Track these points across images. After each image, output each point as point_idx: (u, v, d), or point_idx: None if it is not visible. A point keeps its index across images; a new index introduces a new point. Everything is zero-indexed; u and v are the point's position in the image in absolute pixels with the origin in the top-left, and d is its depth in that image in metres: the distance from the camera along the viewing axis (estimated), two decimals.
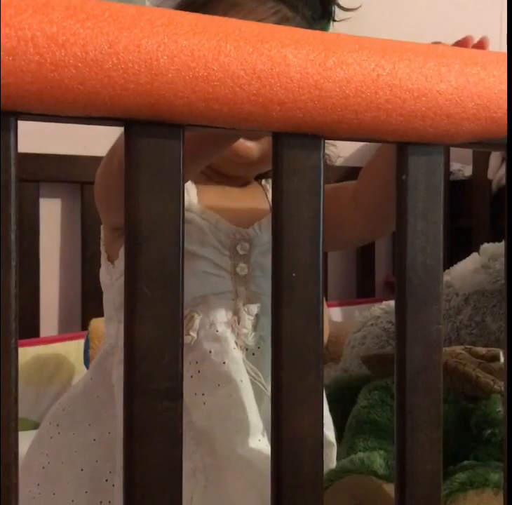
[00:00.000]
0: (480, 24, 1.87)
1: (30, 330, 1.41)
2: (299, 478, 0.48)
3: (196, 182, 0.81)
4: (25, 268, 1.45)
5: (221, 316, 0.77)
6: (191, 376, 0.75)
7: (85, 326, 1.33)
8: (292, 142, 0.47)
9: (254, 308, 0.77)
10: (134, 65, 0.41)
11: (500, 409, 0.79)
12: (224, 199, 0.82)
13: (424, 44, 0.50)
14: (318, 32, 0.46)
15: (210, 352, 0.75)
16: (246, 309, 0.77)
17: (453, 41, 0.66)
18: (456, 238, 1.78)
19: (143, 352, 0.44)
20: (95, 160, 1.47)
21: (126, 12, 0.41)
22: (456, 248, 1.62)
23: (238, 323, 0.77)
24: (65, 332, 1.45)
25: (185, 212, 0.77)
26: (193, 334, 0.75)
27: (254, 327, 0.77)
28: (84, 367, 1.23)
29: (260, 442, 0.75)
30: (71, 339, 1.35)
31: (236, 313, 0.77)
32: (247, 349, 0.78)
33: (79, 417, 0.81)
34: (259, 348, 0.78)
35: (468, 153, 1.82)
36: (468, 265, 1.17)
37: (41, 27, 0.39)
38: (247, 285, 0.78)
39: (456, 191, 1.84)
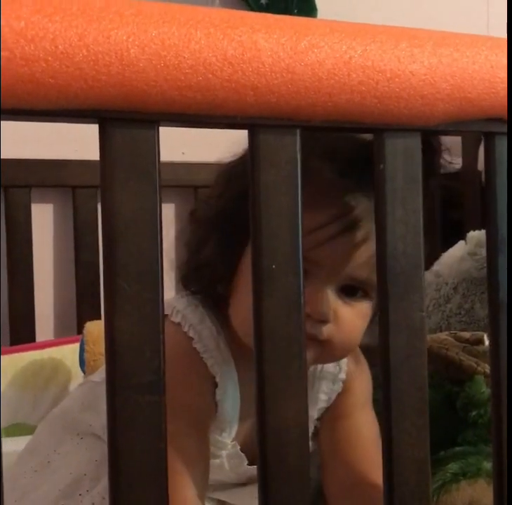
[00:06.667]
0: (468, 14, 1.87)
1: (26, 335, 1.41)
2: (286, 469, 0.48)
3: None
4: (19, 274, 1.45)
5: None
6: None
7: (80, 330, 1.33)
8: (268, 133, 0.47)
9: None
10: (104, 56, 0.41)
11: (484, 390, 0.79)
12: None
13: (397, 27, 0.51)
14: (288, 17, 0.46)
15: None
16: None
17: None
18: (448, 230, 1.77)
19: (124, 347, 0.44)
20: (86, 164, 1.49)
21: (94, 5, 0.41)
22: (448, 240, 1.62)
23: None
24: (61, 337, 1.45)
25: None
26: None
27: None
28: (80, 370, 1.23)
29: None
30: (67, 343, 1.34)
31: None
32: None
33: None
34: None
35: (457, 145, 1.82)
36: (455, 253, 1.17)
37: (9, 22, 0.39)
38: None
39: (447, 183, 1.84)
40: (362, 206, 0.67)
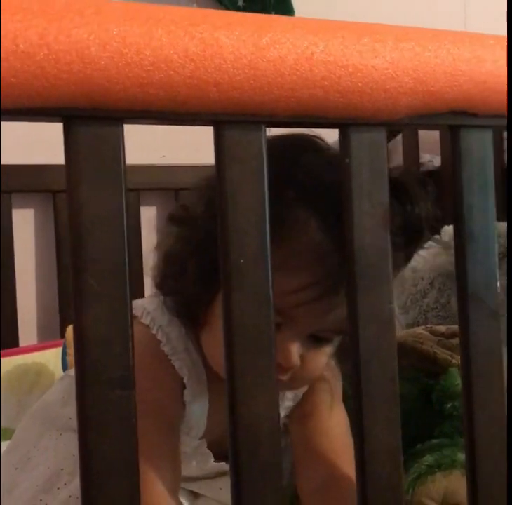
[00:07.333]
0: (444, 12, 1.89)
1: (9, 340, 1.41)
2: (258, 461, 0.48)
3: None
4: (1, 280, 1.44)
5: None
6: None
7: (63, 334, 1.33)
8: (233, 129, 0.47)
9: None
10: (65, 55, 0.41)
11: (458, 382, 0.80)
12: None
13: (359, 22, 0.51)
14: (250, 14, 0.46)
15: None
16: None
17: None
18: None
19: (93, 343, 0.44)
20: None
21: (55, 4, 0.42)
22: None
23: None
24: (44, 341, 1.45)
25: None
26: None
27: None
28: (63, 373, 1.23)
29: None
30: (50, 347, 1.34)
31: None
32: None
33: None
34: None
35: (437, 144, 1.83)
36: (430, 248, 1.18)
37: None
38: None
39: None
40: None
